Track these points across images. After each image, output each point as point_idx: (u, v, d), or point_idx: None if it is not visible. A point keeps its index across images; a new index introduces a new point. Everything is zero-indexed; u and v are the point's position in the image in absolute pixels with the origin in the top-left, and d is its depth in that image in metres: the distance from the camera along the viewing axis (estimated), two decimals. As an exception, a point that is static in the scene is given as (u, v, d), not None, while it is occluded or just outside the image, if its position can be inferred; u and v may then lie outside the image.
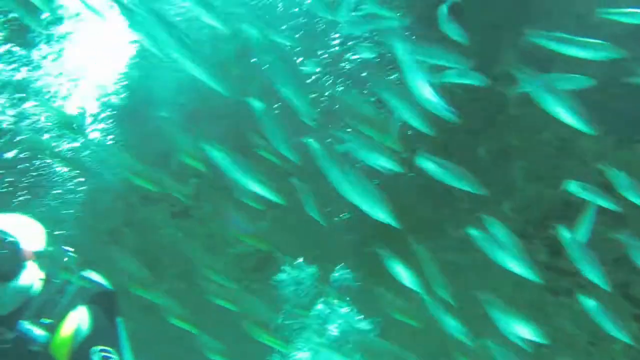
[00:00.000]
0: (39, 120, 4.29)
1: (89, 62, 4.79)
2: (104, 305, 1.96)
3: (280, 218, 5.21)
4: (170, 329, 4.91)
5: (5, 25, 3.84)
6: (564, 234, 2.43)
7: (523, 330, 2.43)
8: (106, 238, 4.71)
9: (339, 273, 4.36)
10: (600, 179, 2.67)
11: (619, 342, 3.48)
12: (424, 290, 2.73)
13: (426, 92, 1.95)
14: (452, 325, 2.82)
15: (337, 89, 4.54)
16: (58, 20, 4.46)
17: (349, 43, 4.49)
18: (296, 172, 2.77)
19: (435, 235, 4.38)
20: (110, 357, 1.82)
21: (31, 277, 1.80)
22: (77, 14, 4.48)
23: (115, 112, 4.82)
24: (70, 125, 3.74)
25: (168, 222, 4.84)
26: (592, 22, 3.04)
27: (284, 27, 4.55)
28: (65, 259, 1.95)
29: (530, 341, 2.48)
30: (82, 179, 4.03)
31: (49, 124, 4.20)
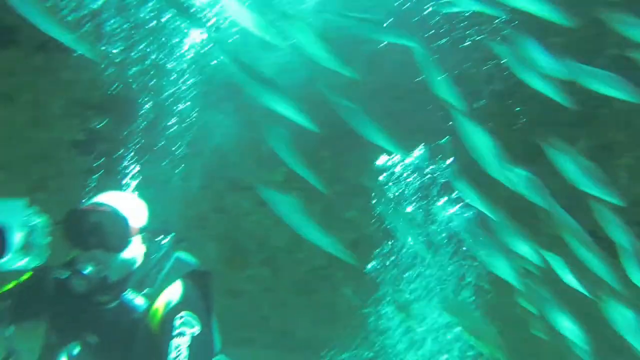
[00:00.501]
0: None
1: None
2: (197, 283, 2.11)
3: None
4: (252, 313, 5.13)
5: None
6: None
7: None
8: (194, 223, 4.96)
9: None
10: None
11: None
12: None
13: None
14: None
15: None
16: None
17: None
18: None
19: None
20: (190, 322, 1.95)
21: (135, 250, 1.98)
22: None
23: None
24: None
25: (255, 210, 5.00)
26: None
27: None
28: (164, 237, 2.12)
29: None
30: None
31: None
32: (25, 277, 1.99)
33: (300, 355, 5.23)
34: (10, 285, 1.97)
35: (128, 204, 2.04)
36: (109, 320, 1.98)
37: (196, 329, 1.96)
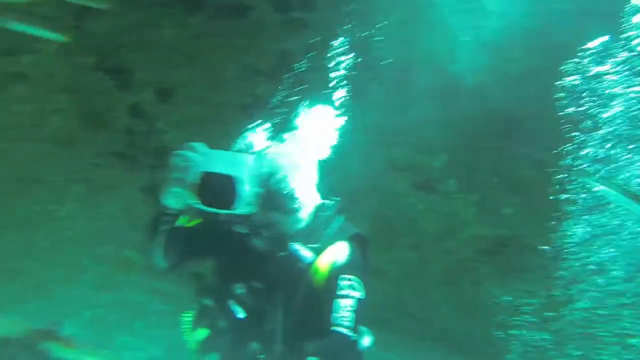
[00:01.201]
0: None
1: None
2: (360, 248, 2.18)
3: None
4: (392, 295, 5.10)
5: None
6: None
7: None
8: (350, 197, 4.95)
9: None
10: None
11: None
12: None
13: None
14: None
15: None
16: None
17: None
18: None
19: None
20: (355, 285, 1.99)
21: (306, 209, 2.09)
22: None
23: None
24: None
25: (410, 192, 4.86)
26: None
27: None
28: (330, 200, 2.22)
29: None
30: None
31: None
32: (197, 220, 2.12)
33: (437, 345, 5.14)
34: (191, 223, 2.10)
35: (303, 164, 2.14)
36: (274, 267, 2.08)
37: (360, 294, 2.01)
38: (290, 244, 2.04)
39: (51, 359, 1.23)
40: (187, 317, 2.29)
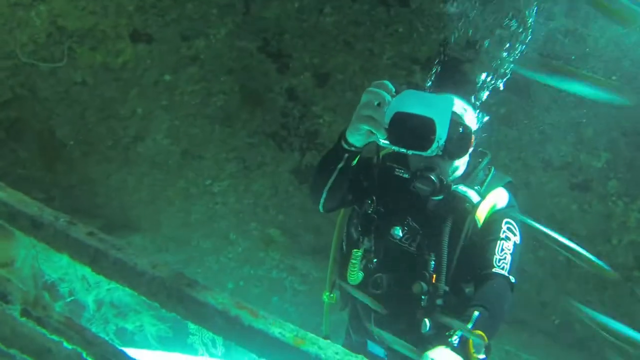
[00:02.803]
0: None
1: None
2: (512, 192, 2.33)
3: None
4: (532, 296, 5.01)
5: None
6: None
7: None
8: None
9: None
10: None
11: None
12: None
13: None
14: None
15: None
16: None
17: None
18: None
19: None
20: (513, 229, 2.11)
21: (466, 156, 2.22)
22: None
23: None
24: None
25: (564, 192, 4.75)
26: None
27: None
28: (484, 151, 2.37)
29: None
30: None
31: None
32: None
33: (578, 356, 5.02)
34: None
35: (468, 113, 2.23)
36: (435, 208, 2.19)
37: (518, 238, 2.12)
38: (454, 186, 2.15)
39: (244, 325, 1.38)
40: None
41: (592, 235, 4.88)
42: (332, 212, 2.38)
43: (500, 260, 2.01)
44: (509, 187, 2.28)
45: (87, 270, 2.07)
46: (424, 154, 1.96)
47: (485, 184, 2.21)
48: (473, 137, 2.12)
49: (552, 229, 4.81)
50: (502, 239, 2.05)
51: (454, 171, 2.19)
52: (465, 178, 2.22)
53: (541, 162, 4.79)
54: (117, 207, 5.12)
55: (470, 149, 2.16)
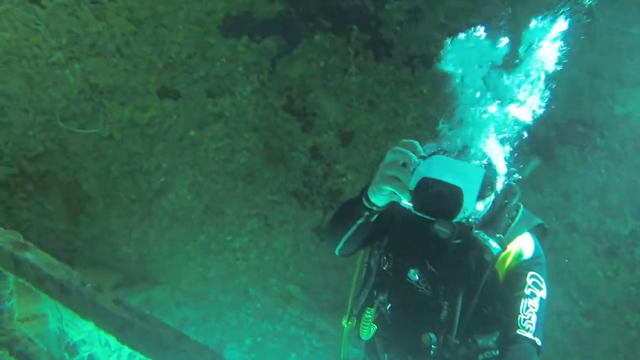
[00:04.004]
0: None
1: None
2: (539, 237, 2.13)
3: None
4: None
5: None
6: None
7: None
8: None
9: None
10: None
11: None
12: None
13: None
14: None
15: None
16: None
17: None
18: None
19: None
20: (539, 284, 1.93)
21: (490, 197, 2.02)
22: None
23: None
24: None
25: (592, 258, 4.75)
26: None
27: None
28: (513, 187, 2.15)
29: None
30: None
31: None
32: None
33: None
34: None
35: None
36: (457, 254, 2.04)
37: (544, 293, 1.95)
38: (476, 231, 1.99)
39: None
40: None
41: (619, 304, 4.85)
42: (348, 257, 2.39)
43: (525, 320, 1.88)
44: (537, 231, 2.13)
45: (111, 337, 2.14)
46: (450, 221, 1.88)
47: (510, 229, 2.04)
48: (498, 179, 1.99)
49: (578, 294, 4.81)
50: (527, 295, 1.91)
51: (471, 214, 1.96)
52: (490, 221, 2.04)
53: (566, 226, 4.82)
54: (137, 260, 5.23)
55: (493, 193, 2.02)
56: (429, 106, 4.94)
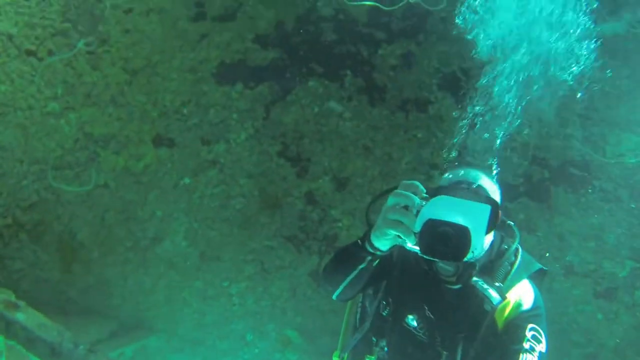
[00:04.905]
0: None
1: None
2: (538, 282, 2.12)
3: None
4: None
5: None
6: None
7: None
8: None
9: None
10: None
11: None
12: None
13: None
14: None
15: None
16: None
17: None
18: None
19: None
20: (539, 337, 1.91)
21: (489, 237, 2.00)
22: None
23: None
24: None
25: (587, 300, 4.79)
26: None
27: None
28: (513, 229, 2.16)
29: None
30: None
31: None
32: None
33: None
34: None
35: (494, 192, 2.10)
36: (456, 301, 2.03)
37: (543, 347, 1.93)
38: (475, 279, 1.97)
39: None
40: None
41: (621, 347, 4.87)
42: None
43: None
44: (536, 277, 2.12)
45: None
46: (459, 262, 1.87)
47: (510, 277, 2.00)
48: (500, 212, 1.93)
49: (577, 337, 4.82)
50: (527, 350, 1.89)
51: (479, 254, 1.95)
52: (490, 269, 2.02)
53: (562, 268, 4.86)
54: (132, 308, 5.24)
55: (494, 228, 1.95)
56: (423, 150, 5.02)
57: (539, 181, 4.89)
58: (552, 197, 4.88)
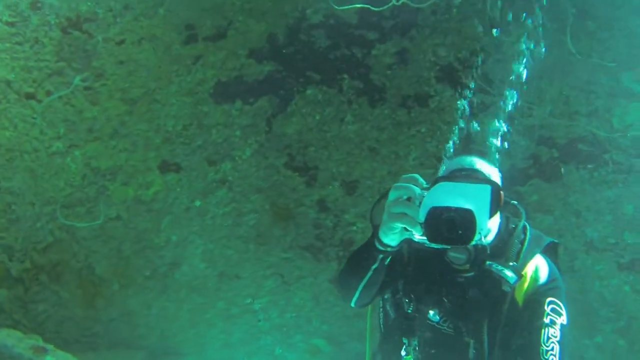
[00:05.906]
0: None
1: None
2: (552, 256, 2.16)
3: None
4: None
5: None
6: None
7: None
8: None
9: None
10: None
11: None
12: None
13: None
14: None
15: None
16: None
17: None
18: None
19: None
20: (559, 310, 1.95)
21: (496, 219, 2.05)
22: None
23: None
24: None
25: (612, 274, 4.81)
26: None
27: None
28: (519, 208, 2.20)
29: None
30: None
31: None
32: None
33: None
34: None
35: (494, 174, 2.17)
36: (469, 288, 2.05)
37: (564, 319, 1.96)
38: (488, 263, 1.99)
39: None
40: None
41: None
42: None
43: (547, 352, 1.89)
44: (549, 251, 2.15)
45: None
46: (468, 246, 1.89)
47: (522, 254, 2.04)
48: (501, 193, 1.93)
49: (606, 312, 4.84)
50: (547, 324, 1.92)
51: (486, 234, 2.01)
52: (501, 250, 2.06)
53: (583, 245, 4.89)
54: (158, 335, 5.31)
55: (499, 209, 1.98)
56: (428, 144, 5.06)
57: (549, 161, 4.93)
58: (564, 176, 4.91)
